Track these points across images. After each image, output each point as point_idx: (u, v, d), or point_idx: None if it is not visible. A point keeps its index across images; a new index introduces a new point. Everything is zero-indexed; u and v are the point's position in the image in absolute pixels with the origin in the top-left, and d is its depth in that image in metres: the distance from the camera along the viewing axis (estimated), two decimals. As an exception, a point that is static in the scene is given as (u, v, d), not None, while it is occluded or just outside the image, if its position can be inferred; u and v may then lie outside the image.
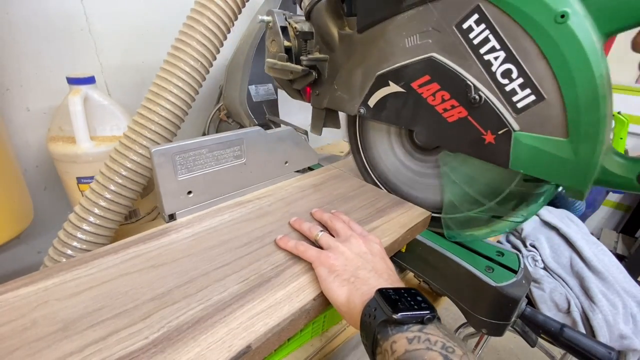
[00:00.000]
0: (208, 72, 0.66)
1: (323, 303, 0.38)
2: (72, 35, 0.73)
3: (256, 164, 0.60)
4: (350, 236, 0.43)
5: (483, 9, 0.36)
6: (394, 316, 0.30)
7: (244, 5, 0.66)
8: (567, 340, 0.44)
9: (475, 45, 0.38)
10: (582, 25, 0.32)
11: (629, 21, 0.30)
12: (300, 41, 0.60)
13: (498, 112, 0.39)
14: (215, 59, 0.67)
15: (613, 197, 2.05)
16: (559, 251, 0.98)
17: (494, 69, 0.38)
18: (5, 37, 0.65)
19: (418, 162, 0.58)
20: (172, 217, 0.52)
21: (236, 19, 0.67)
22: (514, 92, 0.37)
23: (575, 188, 0.37)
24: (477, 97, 0.40)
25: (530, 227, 1.05)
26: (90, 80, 0.65)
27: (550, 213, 1.08)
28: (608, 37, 0.32)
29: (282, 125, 0.92)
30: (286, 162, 0.66)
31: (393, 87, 0.49)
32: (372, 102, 0.53)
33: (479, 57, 0.38)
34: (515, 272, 0.48)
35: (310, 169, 0.72)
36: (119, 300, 0.35)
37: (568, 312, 0.88)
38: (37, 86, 0.71)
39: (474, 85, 0.40)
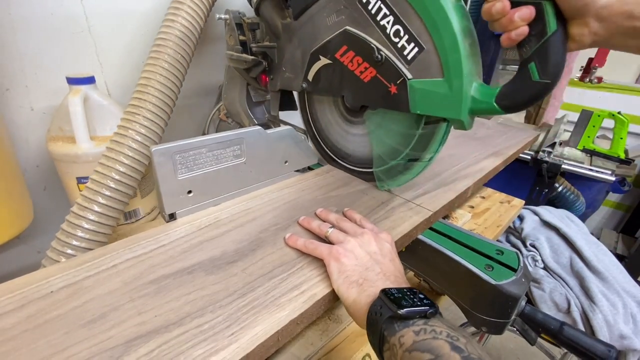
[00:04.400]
0: (189, 61, 0.73)
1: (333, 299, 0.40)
2: (72, 35, 0.73)
3: (256, 163, 0.60)
4: (362, 232, 0.44)
5: None
6: (400, 312, 0.32)
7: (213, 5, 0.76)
8: (566, 338, 0.44)
9: (373, 14, 0.47)
10: None
11: None
12: (249, 32, 0.71)
13: (395, 65, 0.47)
14: (193, 53, 0.73)
15: (613, 197, 2.05)
16: (559, 251, 0.98)
17: (388, 31, 0.46)
18: (6, 37, 0.65)
19: (353, 125, 0.66)
20: (172, 216, 0.52)
21: (207, 16, 0.75)
22: (404, 47, 0.46)
23: (456, 118, 0.44)
24: (379, 56, 0.48)
25: (530, 227, 1.05)
26: (90, 80, 0.65)
27: (550, 213, 1.08)
28: None
29: (282, 125, 0.92)
30: (286, 162, 0.66)
31: (323, 61, 0.58)
32: (310, 76, 0.62)
33: (377, 23, 0.47)
34: (514, 270, 0.48)
35: (310, 168, 0.73)
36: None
37: (568, 312, 0.88)
38: (37, 86, 0.71)
39: (377, 47, 0.48)
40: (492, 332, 0.49)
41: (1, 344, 0.31)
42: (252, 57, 0.69)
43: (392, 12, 0.45)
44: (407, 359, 0.29)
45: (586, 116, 1.47)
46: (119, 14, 0.78)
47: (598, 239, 1.01)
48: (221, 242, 0.46)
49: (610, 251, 0.98)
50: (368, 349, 0.47)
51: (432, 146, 0.51)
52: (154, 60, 0.67)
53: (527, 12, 0.35)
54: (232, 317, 0.35)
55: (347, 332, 0.50)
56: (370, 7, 0.47)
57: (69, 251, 0.55)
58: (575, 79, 1.99)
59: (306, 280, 0.40)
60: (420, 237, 0.55)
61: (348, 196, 0.60)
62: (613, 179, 1.35)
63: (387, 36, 0.47)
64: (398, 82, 0.48)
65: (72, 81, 0.64)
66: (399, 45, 0.46)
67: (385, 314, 0.33)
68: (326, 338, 0.47)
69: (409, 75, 0.46)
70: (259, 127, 0.59)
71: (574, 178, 1.43)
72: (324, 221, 0.50)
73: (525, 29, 0.36)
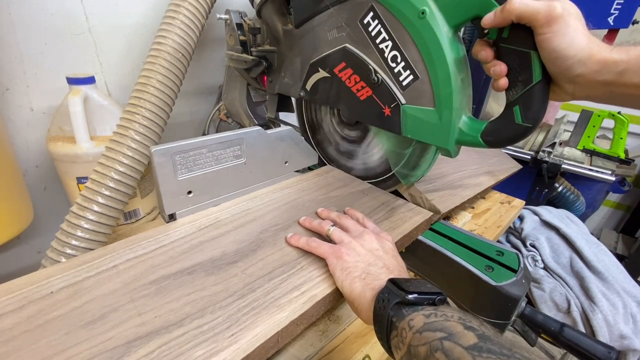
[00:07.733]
0: (189, 59, 0.72)
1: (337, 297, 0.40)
2: (72, 35, 0.73)
3: (256, 163, 0.60)
4: (363, 232, 0.44)
5: (375, 7, 0.46)
6: (408, 296, 0.31)
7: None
8: (566, 339, 0.44)
9: (373, 37, 0.48)
10: (435, 20, 0.40)
11: (465, 16, 0.39)
12: (250, 35, 0.71)
13: (390, 89, 0.49)
14: (193, 52, 0.72)
15: (613, 197, 2.05)
16: (559, 251, 0.98)
17: (386, 55, 0.47)
18: (6, 37, 0.65)
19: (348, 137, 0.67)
20: (172, 217, 0.52)
21: (207, 16, 0.75)
22: (400, 73, 0.47)
23: (443, 147, 0.46)
24: (376, 78, 0.49)
25: (530, 227, 1.05)
26: (90, 80, 0.65)
27: (550, 213, 1.08)
28: (457, 28, 0.41)
29: (282, 125, 0.92)
30: (286, 162, 0.66)
31: (322, 73, 0.59)
32: (308, 86, 0.63)
33: (376, 46, 0.48)
34: (515, 271, 0.48)
35: (310, 168, 0.73)
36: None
37: (568, 312, 0.88)
38: (37, 86, 0.71)
39: (374, 69, 0.49)
40: (492, 332, 0.49)
41: (1, 344, 0.31)
42: (252, 58, 0.69)
43: (391, 38, 0.46)
44: (418, 340, 0.28)
45: (586, 116, 1.47)
46: (119, 14, 0.78)
47: (598, 239, 1.01)
48: (221, 243, 0.46)
49: (610, 251, 0.98)
50: (368, 349, 0.47)
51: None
52: (153, 59, 0.66)
53: (498, 69, 0.38)
54: (232, 318, 0.35)
55: (347, 333, 0.49)
56: (370, 29, 0.48)
57: (69, 251, 0.55)
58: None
59: (306, 281, 0.40)
60: (420, 237, 0.55)
61: (348, 196, 0.60)
62: (613, 179, 1.35)
63: (385, 60, 0.48)
64: (392, 105, 0.49)
65: (72, 81, 0.64)
66: (396, 70, 0.47)
67: (393, 300, 0.32)
68: (326, 339, 0.47)
69: (403, 101, 0.48)
70: (259, 128, 0.59)
71: (574, 178, 1.43)
72: (326, 219, 0.50)
73: (503, 82, 0.38)
